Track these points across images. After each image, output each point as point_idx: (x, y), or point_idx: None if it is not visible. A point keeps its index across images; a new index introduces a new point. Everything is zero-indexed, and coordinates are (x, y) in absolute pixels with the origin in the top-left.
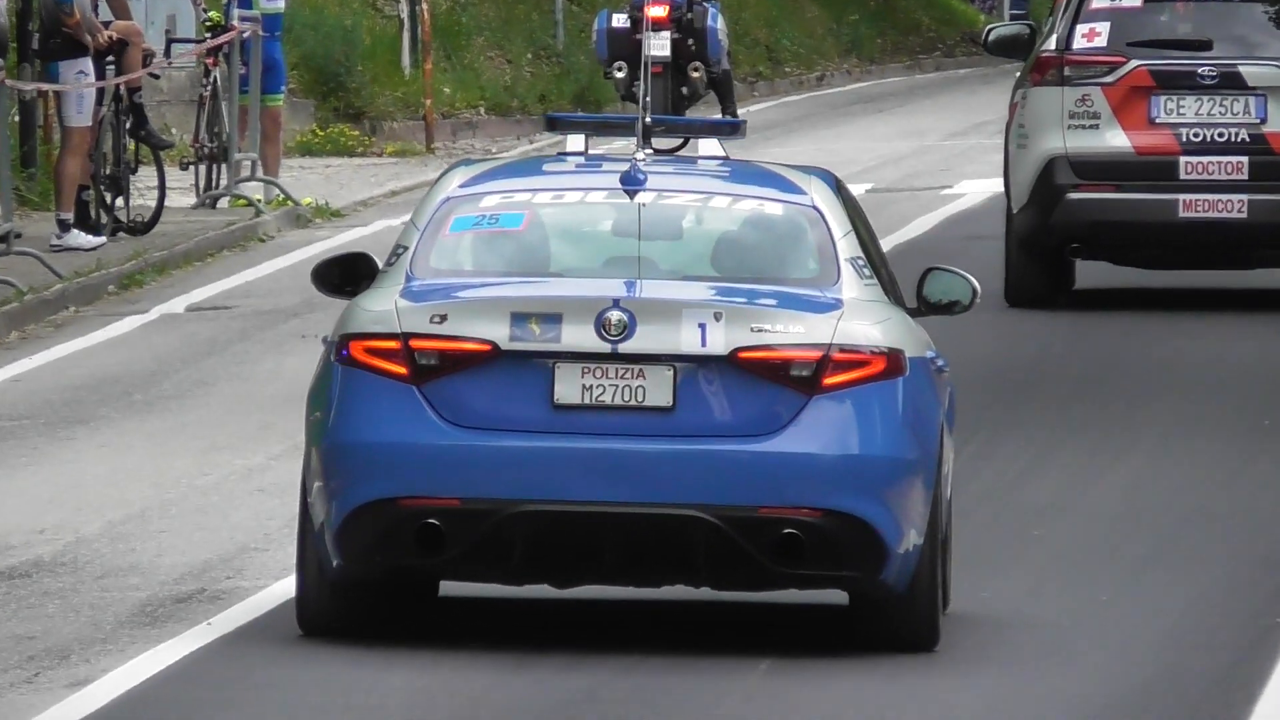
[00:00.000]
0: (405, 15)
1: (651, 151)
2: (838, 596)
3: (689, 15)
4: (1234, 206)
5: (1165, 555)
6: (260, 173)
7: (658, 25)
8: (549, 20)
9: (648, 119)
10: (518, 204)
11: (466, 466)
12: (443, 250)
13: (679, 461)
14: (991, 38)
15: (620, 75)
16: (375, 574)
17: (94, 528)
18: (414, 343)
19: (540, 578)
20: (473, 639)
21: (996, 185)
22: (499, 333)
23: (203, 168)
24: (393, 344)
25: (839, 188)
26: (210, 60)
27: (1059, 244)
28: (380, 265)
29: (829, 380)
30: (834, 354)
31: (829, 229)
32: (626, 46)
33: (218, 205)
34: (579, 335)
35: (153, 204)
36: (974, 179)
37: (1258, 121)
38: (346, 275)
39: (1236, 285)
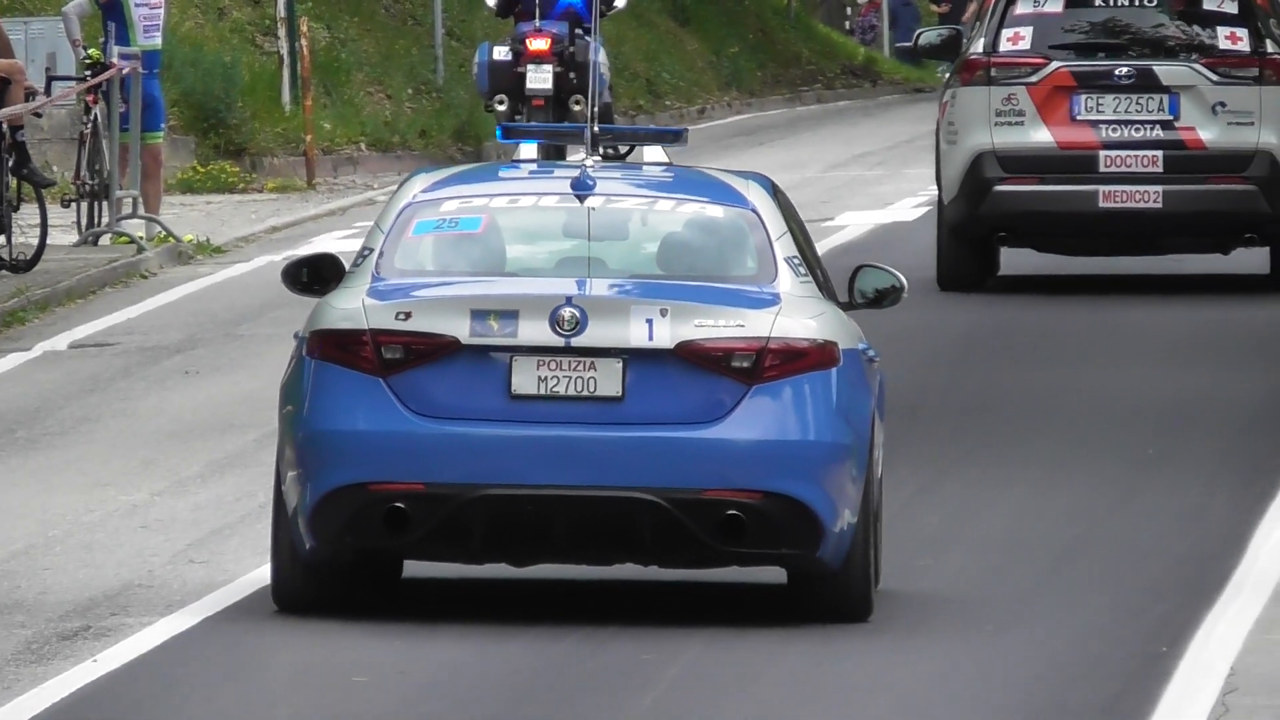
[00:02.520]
0: (285, 51)
1: (599, 158)
2: (777, 573)
3: (571, 49)
4: (1150, 197)
5: (1051, 585)
6: (142, 210)
7: (539, 58)
8: (429, 55)
9: (595, 128)
10: (476, 208)
11: (430, 453)
12: (406, 252)
13: (628, 448)
14: (921, 41)
15: (501, 108)
16: (345, 555)
17: None
18: (381, 338)
19: (499, 557)
20: (437, 616)
21: (879, 217)
22: (460, 328)
23: (84, 205)
24: (361, 339)
25: (775, 191)
26: (90, 98)
27: (987, 233)
28: (346, 266)
29: (768, 371)
30: (772, 346)
31: (766, 230)
32: (508, 79)
33: (100, 242)
34: (535, 330)
35: (35, 242)
36: (856, 210)
37: (1171, 118)
38: (314, 275)
39: (1130, 299)
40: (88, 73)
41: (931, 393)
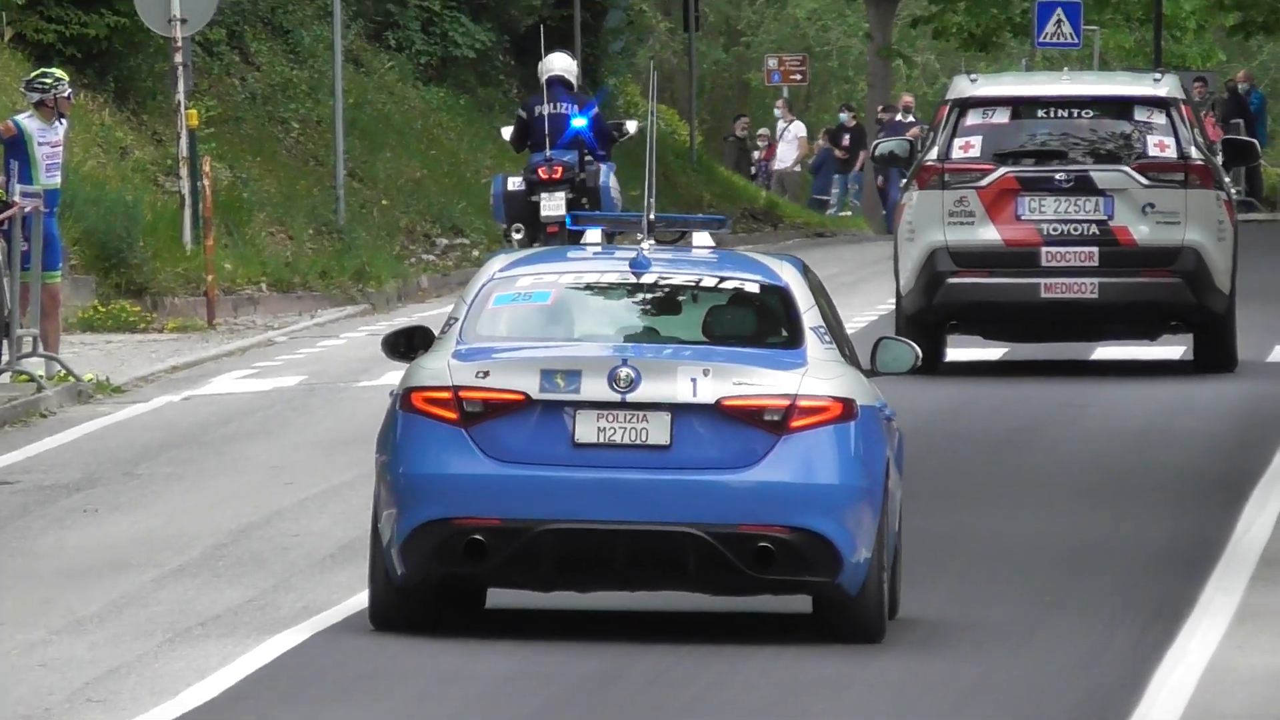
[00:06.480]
0: (186, 191)
1: (654, 242)
2: (804, 603)
3: (581, 175)
4: (1087, 289)
5: None
6: (41, 349)
7: (552, 185)
8: (330, 196)
9: (651, 216)
10: (547, 283)
11: (505, 493)
12: (486, 320)
13: (675, 489)
14: (877, 152)
15: (519, 236)
16: (431, 581)
17: None
18: (463, 393)
19: (565, 584)
20: (516, 635)
21: None
22: (531, 385)
23: None
24: (446, 394)
25: (806, 271)
26: None
27: (940, 321)
28: (435, 335)
29: (795, 423)
30: (799, 402)
31: (796, 304)
32: (523, 208)
33: None
34: (595, 388)
35: None
36: None
37: (1106, 218)
38: (409, 344)
39: (1044, 424)
40: None
41: None
